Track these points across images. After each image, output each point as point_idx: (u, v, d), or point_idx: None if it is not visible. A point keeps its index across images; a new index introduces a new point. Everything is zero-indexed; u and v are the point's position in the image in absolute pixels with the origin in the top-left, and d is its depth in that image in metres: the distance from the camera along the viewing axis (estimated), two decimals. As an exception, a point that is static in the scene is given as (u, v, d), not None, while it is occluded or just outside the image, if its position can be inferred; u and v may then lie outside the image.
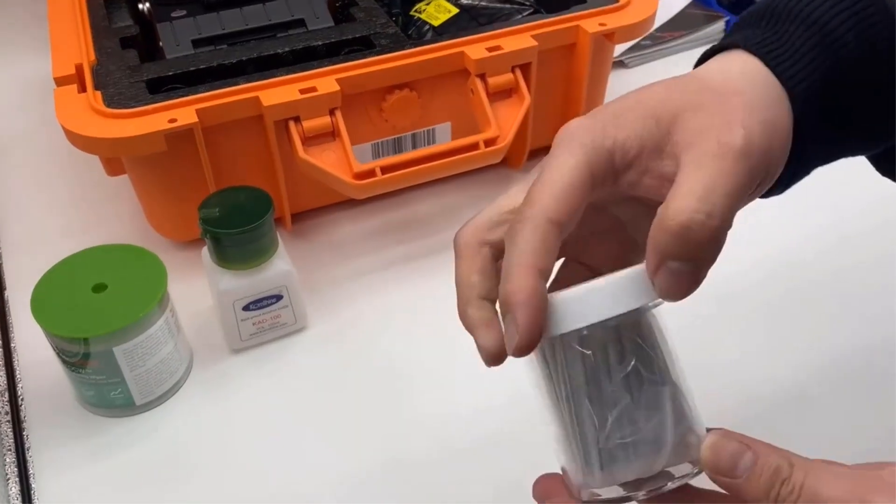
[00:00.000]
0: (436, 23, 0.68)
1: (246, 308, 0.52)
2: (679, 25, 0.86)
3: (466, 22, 0.67)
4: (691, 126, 0.29)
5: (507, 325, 0.28)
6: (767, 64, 0.31)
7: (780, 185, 0.33)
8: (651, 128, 0.29)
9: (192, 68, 0.57)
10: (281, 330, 0.55)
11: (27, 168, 0.72)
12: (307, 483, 0.47)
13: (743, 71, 0.31)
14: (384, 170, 0.56)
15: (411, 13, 0.69)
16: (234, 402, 0.52)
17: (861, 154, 0.36)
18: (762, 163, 0.29)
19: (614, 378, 0.28)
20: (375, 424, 0.50)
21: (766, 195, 0.33)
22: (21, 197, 0.69)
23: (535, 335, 0.28)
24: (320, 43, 0.60)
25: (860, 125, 0.33)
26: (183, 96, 0.54)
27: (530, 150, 0.67)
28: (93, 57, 0.58)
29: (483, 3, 0.68)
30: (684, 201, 0.27)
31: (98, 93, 0.55)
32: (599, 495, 0.29)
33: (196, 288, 0.57)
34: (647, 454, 0.29)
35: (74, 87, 0.56)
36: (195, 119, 0.52)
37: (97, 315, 0.47)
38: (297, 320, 0.55)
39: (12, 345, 0.56)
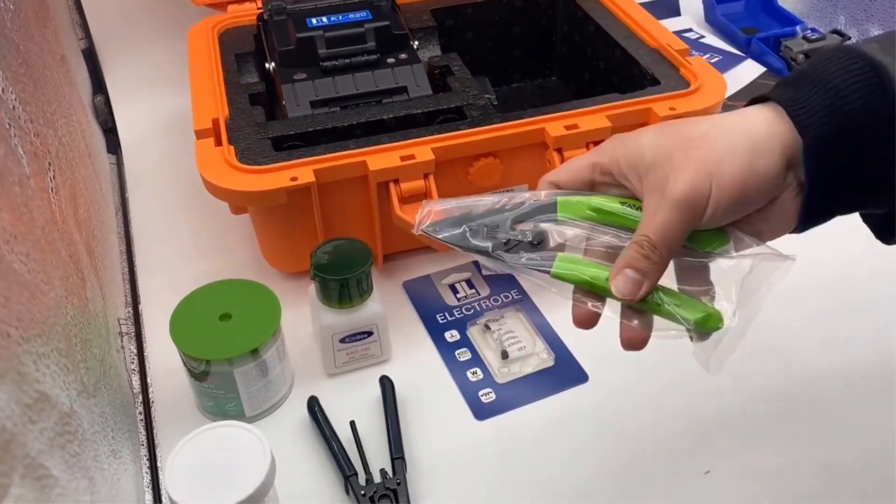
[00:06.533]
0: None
1: (342, 340, 0.62)
2: (750, 95, 0.92)
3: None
4: (653, 178, 0.42)
5: None
6: (789, 113, 0.41)
7: (798, 225, 0.43)
8: (636, 160, 0.43)
9: (310, 129, 0.67)
10: (369, 360, 0.64)
11: (162, 195, 0.83)
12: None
13: (753, 125, 0.41)
14: (467, 229, 0.64)
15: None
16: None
17: (878, 208, 0.43)
18: (708, 204, 0.40)
19: None
20: (444, 448, 0.58)
21: (793, 231, 0.44)
22: (156, 222, 0.80)
23: None
24: (419, 111, 0.69)
25: (866, 179, 0.41)
26: (302, 156, 0.63)
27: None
28: (226, 112, 0.69)
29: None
30: (639, 231, 0.42)
31: (231, 147, 0.64)
32: None
33: (297, 315, 0.66)
34: None
35: (212, 140, 0.66)
36: (313, 178, 0.61)
37: (221, 341, 0.57)
38: (383, 353, 0.64)
39: (145, 353, 0.66)
